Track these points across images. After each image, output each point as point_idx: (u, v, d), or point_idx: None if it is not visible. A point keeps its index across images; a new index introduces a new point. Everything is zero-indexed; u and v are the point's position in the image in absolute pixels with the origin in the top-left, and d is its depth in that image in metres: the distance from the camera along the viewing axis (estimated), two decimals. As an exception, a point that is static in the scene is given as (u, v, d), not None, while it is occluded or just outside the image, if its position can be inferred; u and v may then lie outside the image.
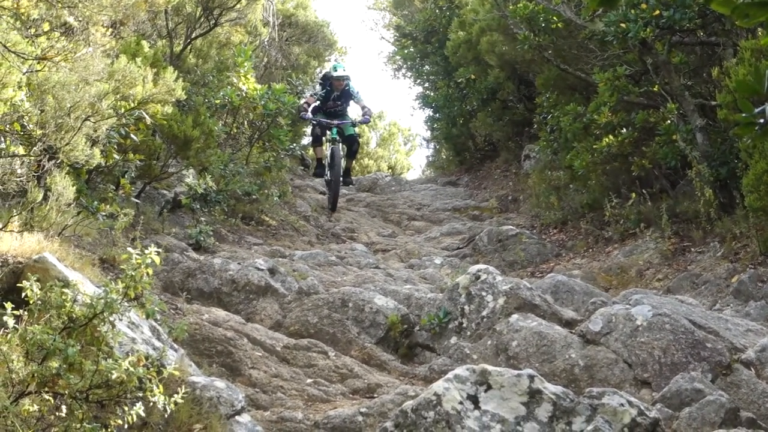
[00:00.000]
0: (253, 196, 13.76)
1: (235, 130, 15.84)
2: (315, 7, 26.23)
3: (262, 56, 21.57)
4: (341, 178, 16.83)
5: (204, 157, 12.21)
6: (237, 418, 5.64)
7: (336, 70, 17.08)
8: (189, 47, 15.28)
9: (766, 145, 8.88)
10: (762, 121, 3.01)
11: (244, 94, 15.13)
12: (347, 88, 17.15)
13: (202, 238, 11.04)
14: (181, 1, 14.67)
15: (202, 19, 15.29)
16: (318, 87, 17.24)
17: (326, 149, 16.91)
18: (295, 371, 7.46)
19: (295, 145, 19.97)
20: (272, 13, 21.63)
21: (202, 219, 11.87)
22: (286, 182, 17.58)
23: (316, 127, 17.15)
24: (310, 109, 16.91)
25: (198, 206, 12.11)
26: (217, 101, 14.66)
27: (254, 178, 14.44)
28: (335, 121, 16.95)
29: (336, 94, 17.04)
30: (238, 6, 15.88)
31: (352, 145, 17.14)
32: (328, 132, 17.19)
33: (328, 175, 16.77)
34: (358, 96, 17.34)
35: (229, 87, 15.14)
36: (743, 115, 3.04)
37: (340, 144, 16.81)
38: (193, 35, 15.30)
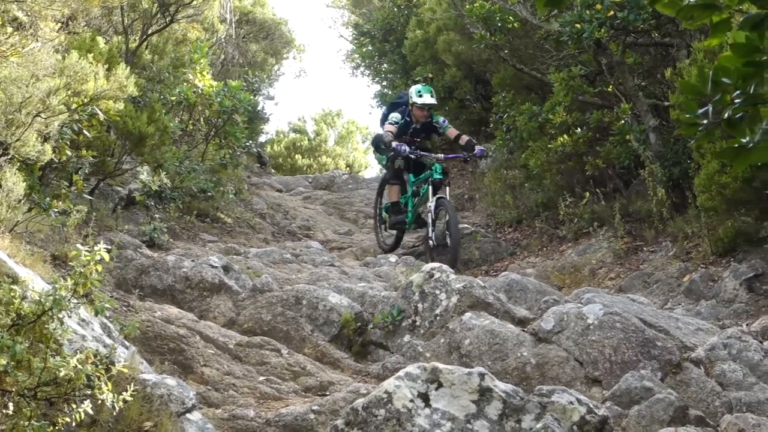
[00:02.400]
0: (209, 194, 13.72)
1: (191, 127, 15.77)
2: (272, 5, 26.29)
3: (218, 53, 21.53)
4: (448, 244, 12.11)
5: (159, 153, 12.16)
6: (188, 415, 5.60)
7: (421, 95, 13.64)
8: (145, 43, 15.18)
9: (717, 145, 8.95)
10: (706, 121, 3.04)
11: (200, 91, 15.07)
12: (430, 119, 13.87)
13: (156, 235, 10.99)
14: (136, -4, 14.62)
15: (158, 16, 15.17)
16: (396, 116, 13.69)
17: (430, 200, 12.67)
18: (248, 369, 7.44)
19: (251, 142, 19.86)
20: (229, 10, 21.56)
21: (157, 216, 11.82)
22: (243, 180, 17.51)
23: (398, 159, 13.65)
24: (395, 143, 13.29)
25: (152, 203, 12.06)
26: (173, 98, 14.60)
27: (210, 175, 14.37)
28: (441, 155, 13.36)
29: (416, 127, 13.80)
30: (195, 2, 15.75)
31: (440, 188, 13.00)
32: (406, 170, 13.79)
33: (431, 234, 12.47)
34: (446, 125, 13.94)
35: (185, 84, 15.07)
36: (687, 115, 3.07)
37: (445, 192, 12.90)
38: (149, 31, 15.20)
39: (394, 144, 13.15)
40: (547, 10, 11.17)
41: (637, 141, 11.81)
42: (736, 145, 3.02)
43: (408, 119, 13.68)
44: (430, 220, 12.53)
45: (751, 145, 2.98)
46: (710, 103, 3.00)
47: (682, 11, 2.99)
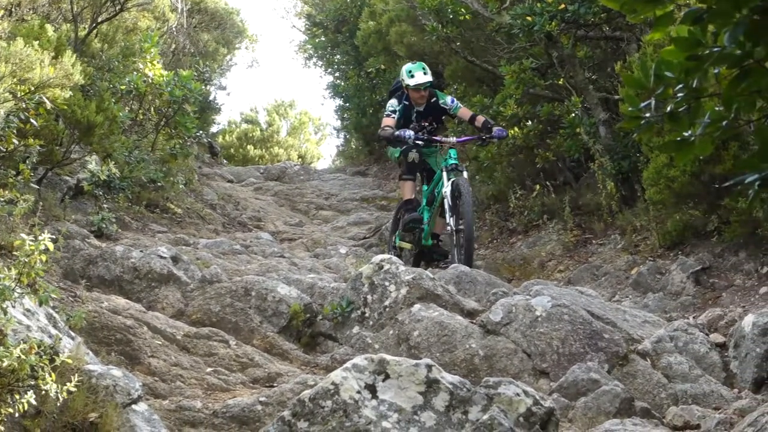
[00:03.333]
0: (159, 184, 13.59)
1: (141, 117, 15.63)
2: (225, -6, 26.06)
3: (169, 42, 21.37)
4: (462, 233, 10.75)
5: (108, 143, 12.05)
6: (134, 406, 5.57)
7: (412, 76, 12.00)
8: (94, 32, 15.04)
9: (667, 137, 9.04)
10: (648, 115, 3.06)
11: (150, 81, 14.94)
12: (434, 99, 12.25)
13: (104, 225, 10.89)
14: (86, -16, 14.49)
15: (108, 4, 15.03)
16: (392, 103, 12.22)
17: (446, 185, 11.24)
18: (196, 360, 7.41)
19: (202, 132, 19.75)
20: (181, -1, 21.46)
21: (105, 206, 11.70)
22: (193, 170, 17.37)
23: (411, 151, 11.95)
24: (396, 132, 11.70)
25: (101, 193, 11.93)
26: (123, 87, 14.45)
27: (160, 165, 14.26)
28: (452, 138, 12.20)
29: (419, 110, 12.16)
30: (146, -9, 15.70)
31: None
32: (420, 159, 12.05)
33: (452, 223, 11.03)
34: (456, 105, 12.20)
35: (135, 73, 14.94)
36: (630, 108, 3.09)
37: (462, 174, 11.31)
38: (99, 20, 15.05)
39: (396, 133, 11.63)
40: (498, 2, 11.17)
41: (587, 134, 11.89)
42: (679, 139, 3.04)
43: (407, 103, 12.13)
44: (447, 206, 11.14)
45: (692, 138, 3.00)
46: (653, 96, 3.02)
47: (626, 4, 3.00)
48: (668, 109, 3.01)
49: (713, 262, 9.56)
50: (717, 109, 2.98)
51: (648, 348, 7.46)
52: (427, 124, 12.14)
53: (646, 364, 7.30)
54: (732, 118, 2.93)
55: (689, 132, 3.01)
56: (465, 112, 12.18)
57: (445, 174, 11.37)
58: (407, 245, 12.24)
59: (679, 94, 2.98)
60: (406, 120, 12.07)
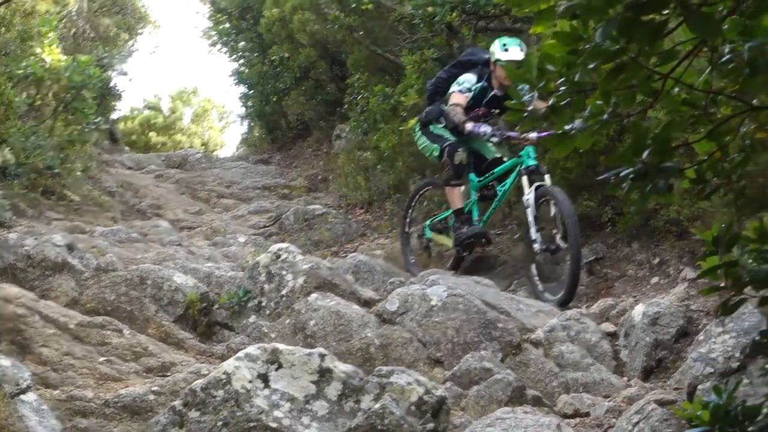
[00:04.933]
0: (56, 170, 13.41)
1: (39, 102, 15.38)
2: (127, -22, 25.76)
3: (69, 27, 21.03)
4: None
5: (3, 129, 11.86)
6: (22, 396, 5.50)
7: (507, 50, 10.04)
8: (-9, 15, 14.76)
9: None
10: (531, 108, 3.10)
11: (48, 66, 14.70)
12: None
13: (-2, 212, 10.75)
14: (-18, -35, 14.20)
15: (5, -14, 14.77)
16: (469, 78, 10.40)
17: (527, 194, 9.53)
18: (88, 349, 7.32)
19: (101, 118, 19.44)
20: (81, -17, 21.14)
21: (0, 192, 11.52)
22: (92, 156, 17.12)
23: (459, 150, 10.39)
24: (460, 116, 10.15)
25: (-5, 179, 11.77)
26: (20, 72, 14.21)
27: (57, 151, 14.05)
28: (533, 134, 9.37)
29: (495, 94, 10.40)
30: (45, -26, 15.44)
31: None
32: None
33: (534, 236, 9.52)
34: None
35: (32, 57, 14.69)
36: (513, 102, 3.12)
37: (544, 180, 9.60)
38: (-4, 2, 14.79)
39: (468, 126, 10.01)
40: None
41: (487, 125, 11.96)
42: (560, 132, 3.08)
43: (486, 84, 10.40)
44: (532, 218, 9.53)
45: (573, 131, 3.05)
46: (535, 90, 3.06)
47: (512, -2, 3.04)
48: (550, 102, 3.06)
49: (607, 253, 9.72)
50: (598, 103, 3.03)
51: (541, 337, 7.56)
52: (497, 111, 10.45)
53: (538, 353, 7.39)
54: (611, 111, 2.99)
55: (570, 125, 3.06)
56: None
57: (525, 179, 9.74)
58: (446, 240, 10.97)
59: (562, 88, 3.02)
60: (476, 103, 10.42)
